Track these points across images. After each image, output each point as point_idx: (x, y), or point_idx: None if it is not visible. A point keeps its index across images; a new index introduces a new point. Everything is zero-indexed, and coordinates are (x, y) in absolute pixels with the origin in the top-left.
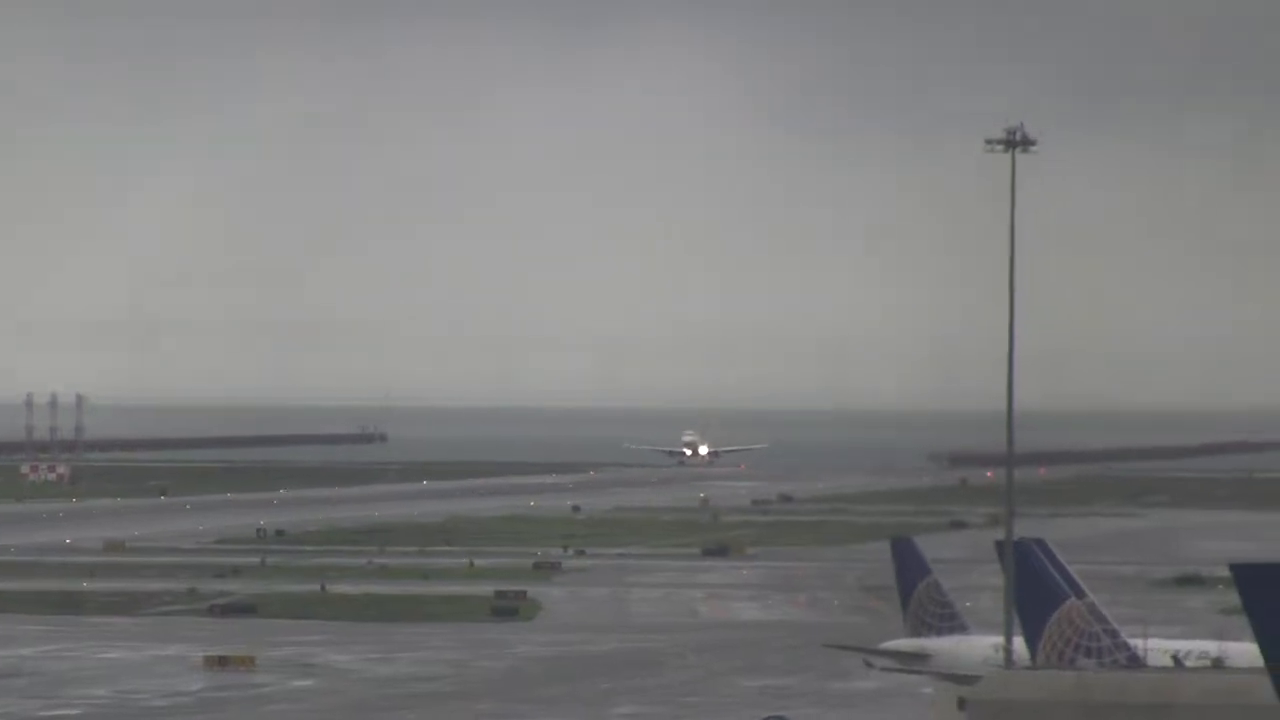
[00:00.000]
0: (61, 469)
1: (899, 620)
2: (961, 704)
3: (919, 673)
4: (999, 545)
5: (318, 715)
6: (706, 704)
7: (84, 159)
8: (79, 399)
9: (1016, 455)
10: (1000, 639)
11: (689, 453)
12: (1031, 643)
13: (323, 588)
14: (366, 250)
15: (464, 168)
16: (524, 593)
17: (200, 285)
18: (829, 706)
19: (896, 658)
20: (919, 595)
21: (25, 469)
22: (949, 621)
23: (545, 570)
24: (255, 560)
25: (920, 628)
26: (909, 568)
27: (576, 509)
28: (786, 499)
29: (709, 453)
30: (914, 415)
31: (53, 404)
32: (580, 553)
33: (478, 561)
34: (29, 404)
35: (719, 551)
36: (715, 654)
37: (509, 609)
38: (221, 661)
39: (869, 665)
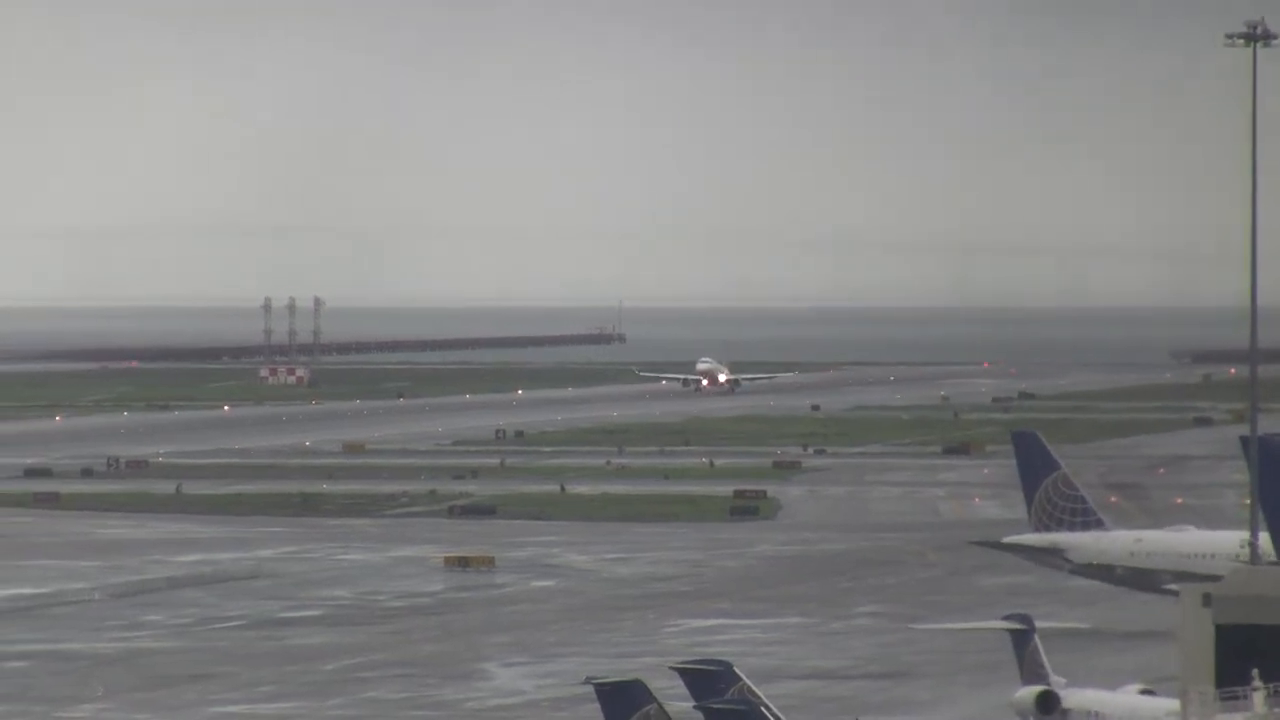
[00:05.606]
0: (300, 372)
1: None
2: (1207, 600)
3: (1059, 567)
4: (1244, 441)
5: (558, 615)
6: (947, 603)
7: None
8: (316, 302)
9: (1260, 352)
10: (1141, 533)
11: (705, 381)
12: (1277, 539)
13: (562, 488)
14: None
15: (677, 71)
16: (763, 492)
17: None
18: (1070, 604)
19: (1028, 553)
20: (1045, 489)
21: (264, 372)
22: (1082, 516)
23: (785, 469)
24: (494, 461)
25: (1048, 522)
26: (1033, 462)
27: (815, 408)
28: (1028, 396)
29: (728, 380)
30: (1154, 311)
31: (291, 308)
32: (820, 451)
33: (717, 461)
34: (267, 308)
35: (959, 450)
36: (956, 552)
37: (748, 508)
38: (462, 562)
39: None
